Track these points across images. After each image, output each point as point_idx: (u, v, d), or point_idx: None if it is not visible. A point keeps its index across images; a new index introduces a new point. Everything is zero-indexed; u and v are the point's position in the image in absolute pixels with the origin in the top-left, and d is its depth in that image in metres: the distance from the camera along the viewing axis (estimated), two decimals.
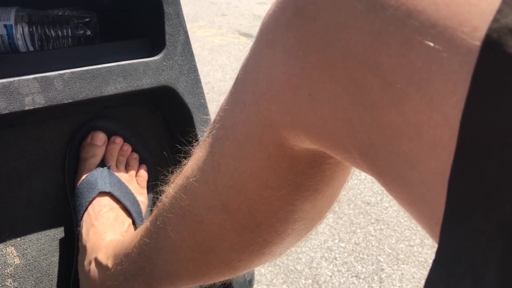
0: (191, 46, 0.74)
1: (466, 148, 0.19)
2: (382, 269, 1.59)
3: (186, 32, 0.73)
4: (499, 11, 0.19)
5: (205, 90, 2.88)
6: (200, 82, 0.75)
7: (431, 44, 0.21)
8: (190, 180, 0.38)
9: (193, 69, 0.74)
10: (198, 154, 0.38)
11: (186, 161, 0.41)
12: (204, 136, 0.39)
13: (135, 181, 0.73)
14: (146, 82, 0.69)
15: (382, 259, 1.63)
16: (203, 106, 0.75)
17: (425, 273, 1.58)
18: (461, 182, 0.20)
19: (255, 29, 3.92)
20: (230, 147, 0.35)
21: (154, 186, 0.75)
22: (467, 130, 0.19)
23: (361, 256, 1.64)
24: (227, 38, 3.84)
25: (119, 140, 0.72)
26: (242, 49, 3.60)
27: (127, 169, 0.73)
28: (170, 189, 0.42)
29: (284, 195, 0.35)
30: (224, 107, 0.36)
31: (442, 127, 0.20)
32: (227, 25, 4.16)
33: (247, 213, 0.37)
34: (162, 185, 0.45)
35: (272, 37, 0.29)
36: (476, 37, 0.19)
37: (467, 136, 0.19)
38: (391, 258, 1.64)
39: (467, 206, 0.19)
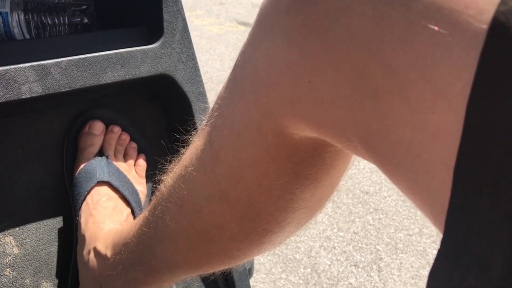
0: (189, 33, 0.73)
1: (472, 136, 0.19)
2: (381, 258, 1.59)
3: (184, 20, 0.72)
4: None
5: (204, 80, 2.88)
6: (198, 70, 0.75)
7: (436, 28, 0.20)
8: (189, 169, 0.38)
9: (192, 57, 0.73)
10: (196, 143, 0.38)
11: (184, 150, 0.41)
12: (203, 124, 0.38)
13: (133, 171, 0.73)
14: (144, 70, 0.69)
15: (380, 248, 1.64)
16: (202, 95, 0.74)
17: (423, 262, 1.58)
18: (467, 170, 0.19)
19: (253, 18, 3.89)
20: (229, 136, 0.34)
21: (153, 175, 0.75)
22: (473, 117, 0.19)
23: (359, 245, 1.65)
24: (225, 27, 3.82)
25: (117, 129, 0.72)
26: (240, 38, 3.59)
27: (125, 158, 0.73)
28: (169, 179, 0.42)
29: (283, 184, 0.35)
30: (222, 95, 0.35)
31: (447, 114, 0.20)
32: (225, 14, 4.13)
33: (246, 203, 0.36)
34: (161, 175, 0.44)
35: (271, 22, 0.29)
36: (483, 20, 0.19)
37: (473, 123, 0.19)
38: (389, 247, 1.64)
39: (473, 195, 0.19)
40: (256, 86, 0.31)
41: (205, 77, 2.85)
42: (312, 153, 0.33)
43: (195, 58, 0.75)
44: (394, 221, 1.77)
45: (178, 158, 0.41)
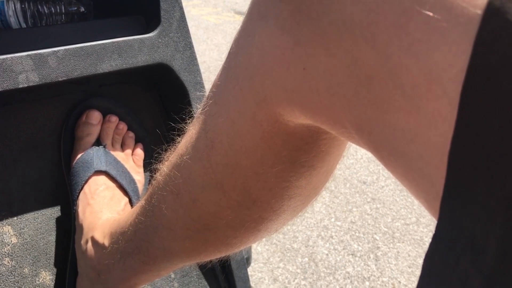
0: (186, 22, 0.73)
1: (466, 121, 0.19)
2: (378, 247, 1.60)
3: (181, 9, 0.72)
4: None
5: (201, 70, 2.87)
6: (196, 59, 0.74)
7: (430, 14, 0.20)
8: (184, 158, 0.38)
9: (189, 46, 0.73)
10: (191, 132, 0.38)
11: (180, 138, 0.41)
12: (197, 113, 0.38)
13: (131, 160, 0.73)
14: (141, 59, 0.68)
15: (378, 238, 1.65)
16: (199, 84, 0.74)
17: (420, 251, 1.59)
18: (461, 156, 0.19)
19: None
20: (224, 124, 0.34)
21: (150, 165, 0.75)
22: (467, 102, 0.19)
23: (357, 234, 1.66)
24: (222, 17, 3.80)
25: (114, 119, 0.72)
26: (238, 28, 3.57)
27: (123, 147, 0.73)
28: (164, 168, 0.42)
29: (279, 172, 0.35)
30: (217, 83, 0.35)
31: (441, 100, 0.20)
32: (222, 4, 4.11)
33: (242, 191, 0.36)
34: (157, 164, 0.44)
35: (264, 9, 0.29)
36: (478, 5, 0.18)
37: (468, 108, 0.19)
38: (387, 236, 1.65)
39: (468, 180, 0.19)
40: (250, 74, 0.31)
41: (202, 67, 2.84)
42: (307, 140, 0.33)
43: (193, 47, 0.74)
44: (391, 210, 1.77)
45: (174, 147, 0.41)
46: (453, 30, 0.19)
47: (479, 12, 0.18)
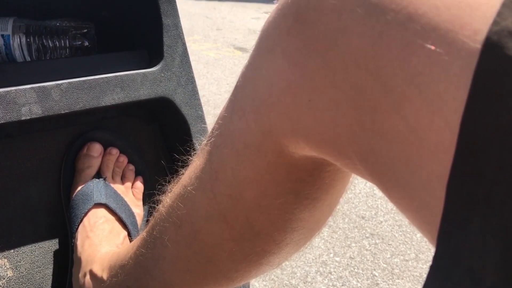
0: (189, 57, 0.74)
1: (465, 151, 0.19)
2: (377, 284, 1.58)
3: (184, 44, 0.73)
4: (499, 14, 0.19)
5: (202, 102, 2.88)
6: (197, 93, 0.75)
7: (432, 47, 0.21)
8: (188, 188, 0.38)
9: (191, 81, 0.74)
10: (196, 163, 0.38)
11: (183, 170, 0.41)
12: (203, 144, 0.38)
13: (131, 193, 0.73)
14: (143, 93, 0.69)
15: (377, 274, 1.62)
16: (201, 117, 0.75)
17: (420, 287, 1.57)
18: (459, 186, 0.19)
19: (250, 43, 3.94)
20: (229, 155, 0.34)
21: (150, 197, 0.75)
22: (466, 133, 0.19)
23: (356, 270, 1.63)
24: (222, 52, 3.86)
25: (115, 151, 0.72)
26: (237, 63, 3.62)
27: (123, 180, 0.73)
28: (167, 199, 0.42)
29: (283, 204, 0.35)
30: (223, 114, 0.35)
31: (443, 132, 0.20)
32: (222, 39, 4.18)
33: (245, 223, 0.36)
34: (159, 195, 0.44)
35: (272, 43, 0.29)
36: (477, 40, 0.19)
37: (467, 139, 0.19)
38: (386, 272, 1.63)
39: (466, 210, 0.19)
40: (257, 105, 0.31)
41: (202, 101, 2.86)
42: (311, 172, 0.33)
43: (194, 81, 0.75)
44: (390, 246, 1.76)
45: (177, 178, 0.41)
46: (454, 63, 0.20)
47: (478, 46, 0.19)
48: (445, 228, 0.20)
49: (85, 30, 0.75)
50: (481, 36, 0.19)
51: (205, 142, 0.38)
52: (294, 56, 0.27)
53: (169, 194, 0.42)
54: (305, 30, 0.27)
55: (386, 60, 0.22)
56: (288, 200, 0.34)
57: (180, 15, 0.74)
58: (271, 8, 0.31)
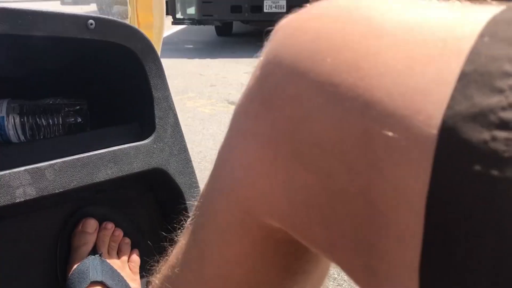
0: (180, 127, 0.75)
1: (433, 237, 0.19)
2: None
3: (175, 115, 0.75)
4: (452, 98, 0.20)
5: (197, 159, 2.86)
6: (190, 161, 0.76)
7: (390, 133, 0.21)
8: (175, 270, 0.38)
9: (183, 149, 0.75)
10: (181, 243, 0.38)
11: (171, 249, 0.41)
12: (187, 223, 0.38)
13: (127, 267, 0.72)
14: (137, 165, 0.70)
15: None
16: (194, 184, 0.75)
17: None
18: (431, 272, 0.19)
19: None
20: (213, 234, 0.34)
21: (147, 269, 0.74)
22: (432, 218, 0.19)
23: None
24: (216, 108, 3.91)
25: (110, 226, 0.72)
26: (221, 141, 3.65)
27: (119, 255, 0.72)
28: (156, 280, 0.41)
29: (273, 279, 0.34)
30: (204, 193, 0.36)
31: (409, 215, 0.20)
32: (216, 95, 4.25)
33: None
34: (150, 275, 0.44)
35: (243, 126, 0.30)
36: (432, 125, 0.20)
37: (433, 224, 0.19)
38: None
39: None
40: (235, 186, 0.31)
41: (198, 157, 2.87)
42: (297, 246, 0.33)
43: (187, 150, 0.76)
44: None
45: (165, 258, 0.41)
46: (413, 149, 0.20)
47: (434, 131, 0.20)
48: None
49: (78, 107, 0.76)
50: (436, 121, 0.20)
51: (189, 221, 0.38)
52: (265, 139, 0.28)
53: (157, 275, 0.41)
54: (272, 114, 0.27)
55: (349, 145, 0.23)
56: (278, 275, 0.34)
57: (174, 75, 0.76)
58: None
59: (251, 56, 5.47)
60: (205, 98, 4.17)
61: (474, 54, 0.20)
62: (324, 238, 0.26)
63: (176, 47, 6.60)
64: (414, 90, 0.21)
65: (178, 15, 6.53)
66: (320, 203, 0.26)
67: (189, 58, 5.89)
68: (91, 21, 0.65)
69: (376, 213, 0.22)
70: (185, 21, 6.63)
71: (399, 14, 0.24)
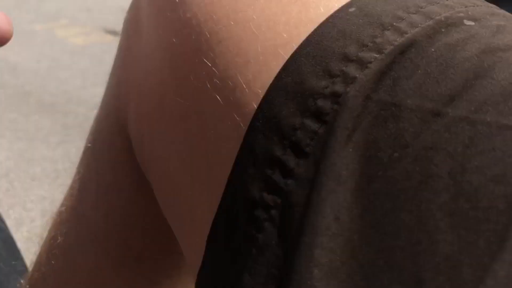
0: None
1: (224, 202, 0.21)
2: None
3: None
4: (285, 68, 0.19)
5: (63, 100, 2.62)
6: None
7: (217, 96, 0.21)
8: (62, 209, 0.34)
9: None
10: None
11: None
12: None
13: None
14: None
15: None
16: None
17: None
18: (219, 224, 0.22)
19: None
20: (92, 156, 0.33)
21: None
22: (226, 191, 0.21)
23: None
24: (91, 38, 3.72)
25: None
26: (106, 49, 3.51)
27: None
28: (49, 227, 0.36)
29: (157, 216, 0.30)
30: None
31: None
32: (91, 22, 4.01)
33: (121, 244, 0.32)
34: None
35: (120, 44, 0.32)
36: (256, 94, 0.20)
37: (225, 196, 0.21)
38: None
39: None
40: (111, 96, 0.32)
41: (65, 97, 2.74)
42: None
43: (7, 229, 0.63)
44: None
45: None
46: (232, 112, 0.20)
47: (255, 102, 0.20)
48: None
49: None
50: (262, 91, 0.19)
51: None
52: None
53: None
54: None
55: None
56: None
57: None
58: None
59: None
60: (79, 25, 3.94)
61: (324, 26, 0.19)
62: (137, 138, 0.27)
63: None
64: (255, 53, 0.20)
65: None
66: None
67: None
68: None
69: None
70: None
71: None
